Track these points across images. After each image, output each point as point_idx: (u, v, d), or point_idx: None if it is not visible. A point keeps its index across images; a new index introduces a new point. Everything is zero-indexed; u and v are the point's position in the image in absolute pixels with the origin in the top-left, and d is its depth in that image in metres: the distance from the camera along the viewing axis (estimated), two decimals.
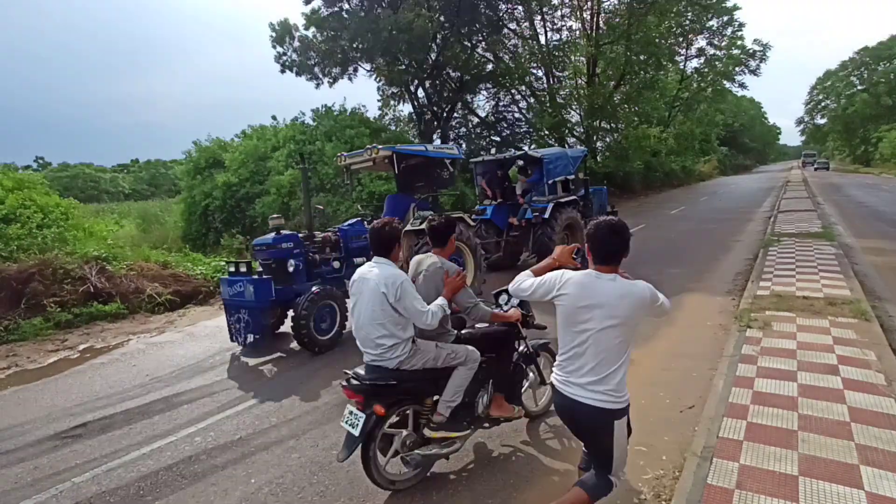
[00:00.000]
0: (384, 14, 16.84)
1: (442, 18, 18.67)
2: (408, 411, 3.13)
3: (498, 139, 22.76)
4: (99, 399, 5.14)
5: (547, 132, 26.20)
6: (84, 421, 4.61)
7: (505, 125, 23.66)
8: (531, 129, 24.08)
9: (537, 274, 2.68)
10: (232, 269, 6.53)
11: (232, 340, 6.47)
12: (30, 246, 8.81)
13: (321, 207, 9.85)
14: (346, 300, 6.49)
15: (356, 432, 2.89)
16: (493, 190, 10.92)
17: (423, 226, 7.20)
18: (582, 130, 28.92)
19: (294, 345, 6.33)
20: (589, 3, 25.18)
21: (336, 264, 7.12)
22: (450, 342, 3.26)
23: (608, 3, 25.23)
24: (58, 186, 50.64)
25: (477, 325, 3.56)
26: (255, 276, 6.21)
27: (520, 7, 22.27)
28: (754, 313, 5.66)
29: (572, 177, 11.05)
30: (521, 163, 11.10)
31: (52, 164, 61.72)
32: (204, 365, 6.01)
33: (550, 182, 10.28)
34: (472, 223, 8.32)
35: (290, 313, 6.23)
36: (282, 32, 18.17)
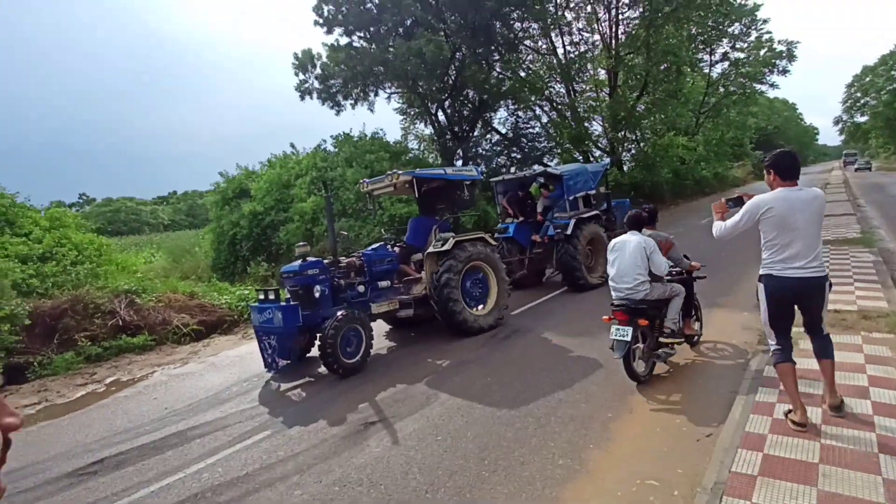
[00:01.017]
0: (397, 42, 17.15)
1: (458, 40, 18.89)
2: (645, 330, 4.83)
3: (519, 156, 22.69)
4: (117, 434, 5.25)
5: (570, 146, 25.99)
6: (101, 457, 4.71)
7: (525, 141, 23.58)
8: (553, 144, 23.92)
9: (723, 219, 3.78)
10: (261, 296, 6.70)
11: (266, 367, 6.56)
12: (64, 282, 9.19)
13: (345, 233, 9.99)
14: (371, 324, 6.78)
15: (628, 338, 4.55)
16: (514, 208, 10.91)
17: (445, 247, 7.29)
18: (606, 142, 28.59)
19: (322, 369, 6.40)
20: (607, 16, 25.07)
21: (361, 288, 7.19)
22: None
23: (625, 14, 25.03)
24: (102, 221, 53.13)
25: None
26: (283, 303, 6.39)
27: (535, 24, 22.32)
28: None
29: (593, 192, 10.92)
30: (541, 180, 11.04)
31: (95, 199, 64.81)
32: (221, 397, 6.08)
33: (571, 198, 10.20)
34: (493, 242, 8.30)
35: (318, 338, 6.36)
36: (304, 61, 18.72)
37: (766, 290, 3.54)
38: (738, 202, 3.81)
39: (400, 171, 7.69)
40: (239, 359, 7.81)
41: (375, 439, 4.40)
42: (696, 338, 5.63)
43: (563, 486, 3.37)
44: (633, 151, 30.97)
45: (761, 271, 3.59)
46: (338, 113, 18.69)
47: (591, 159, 25.90)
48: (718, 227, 3.74)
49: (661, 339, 4.94)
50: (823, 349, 3.52)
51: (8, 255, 8.84)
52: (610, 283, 5.02)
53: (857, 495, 2.61)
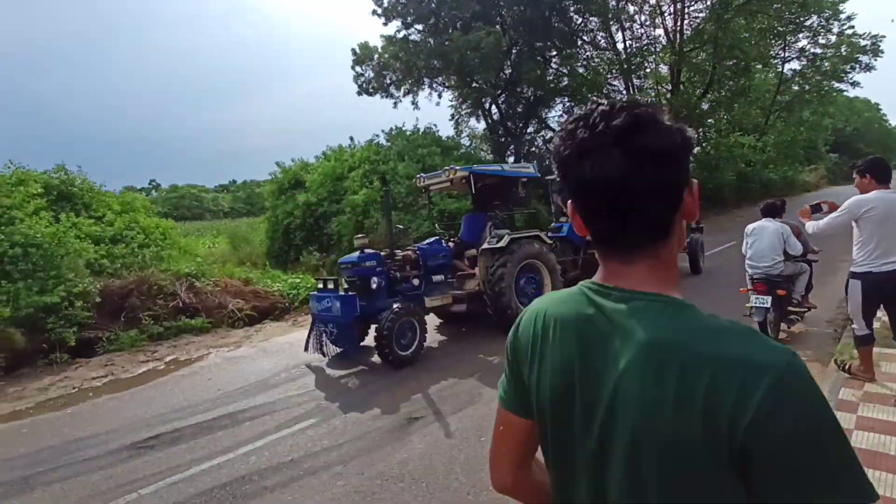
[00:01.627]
0: (455, 35, 17.08)
1: (514, 35, 18.62)
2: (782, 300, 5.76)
3: None
4: (174, 411, 5.48)
5: None
6: (158, 433, 4.92)
7: None
8: None
9: (809, 219, 4.37)
10: (321, 285, 6.92)
11: (305, 351, 6.75)
12: (132, 264, 9.71)
13: (402, 227, 10.08)
14: (426, 317, 6.86)
15: (767, 304, 5.57)
16: None
17: (501, 244, 7.25)
18: None
19: (376, 358, 6.51)
20: (671, 8, 23.99)
21: (416, 282, 7.27)
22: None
23: (691, 7, 23.84)
24: (168, 206, 56.18)
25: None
26: (342, 293, 6.54)
27: (595, 18, 21.67)
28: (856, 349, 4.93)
29: None
30: None
31: (162, 185, 68.65)
32: (270, 382, 6.24)
33: None
34: (548, 241, 8.15)
35: (373, 328, 6.50)
36: (362, 54, 19.02)
37: (863, 285, 3.98)
38: (817, 209, 4.47)
39: (457, 167, 7.69)
40: (288, 346, 8.00)
41: (419, 435, 4.37)
42: (811, 309, 6.47)
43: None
44: (696, 151, 29.61)
45: (856, 269, 4.05)
46: (395, 105, 18.86)
47: None
48: (813, 225, 4.24)
49: (790, 308, 6.02)
50: None
51: (82, 236, 9.40)
52: (747, 261, 6.01)
53: None
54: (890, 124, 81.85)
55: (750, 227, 6.00)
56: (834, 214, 4.00)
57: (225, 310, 9.53)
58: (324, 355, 6.71)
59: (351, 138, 18.01)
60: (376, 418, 4.84)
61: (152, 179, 78.75)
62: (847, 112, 56.12)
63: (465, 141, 24.58)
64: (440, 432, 4.39)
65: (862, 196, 3.85)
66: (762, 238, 5.78)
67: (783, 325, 6.11)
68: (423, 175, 8.60)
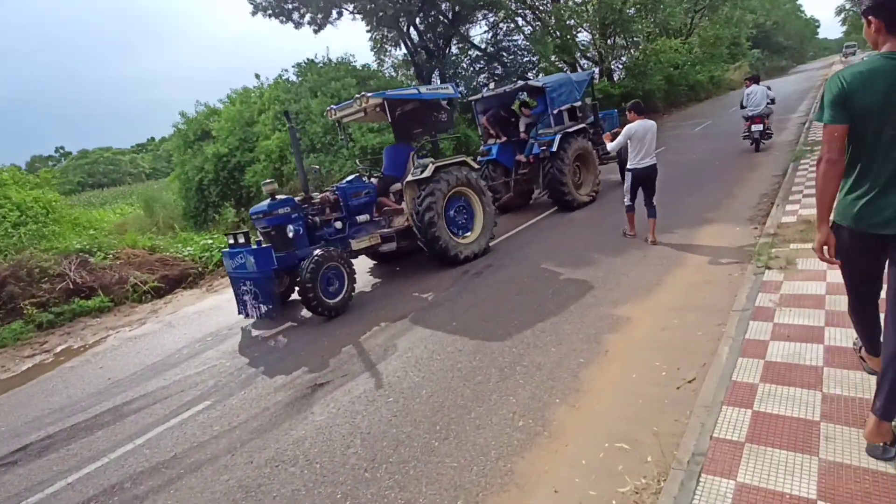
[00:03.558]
0: None
1: None
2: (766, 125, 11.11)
3: (500, 73, 21.11)
4: (51, 413, 4.80)
5: (556, 58, 24.22)
6: (27, 443, 4.27)
7: (506, 55, 21.87)
8: (536, 57, 22.24)
9: (610, 140, 6.84)
10: (231, 240, 6.27)
11: (239, 314, 6.32)
12: (6, 247, 8.49)
13: (317, 168, 9.23)
14: (352, 260, 6.45)
15: (761, 128, 10.98)
16: (496, 128, 10.16)
17: (425, 174, 6.78)
18: (595, 52, 26.72)
19: (306, 312, 6.12)
20: None
21: (338, 225, 6.81)
22: None
23: None
24: (81, 174, 51.37)
25: None
26: (254, 246, 5.95)
27: None
28: (776, 248, 4.76)
29: (579, 103, 10.05)
30: (523, 95, 10.15)
31: (72, 152, 62.52)
32: (168, 362, 5.60)
33: (556, 112, 9.41)
34: (476, 166, 7.64)
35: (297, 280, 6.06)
36: None
37: (632, 175, 6.47)
38: (614, 136, 6.86)
39: (369, 94, 6.92)
40: (198, 315, 7.31)
41: (321, 405, 3.92)
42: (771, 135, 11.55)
43: (519, 456, 2.89)
44: (624, 59, 29.10)
45: (629, 167, 6.43)
46: (297, 27, 17.08)
47: (580, 71, 24.27)
48: (610, 145, 6.78)
49: (767, 132, 11.02)
50: None
51: None
52: (748, 108, 10.95)
53: (870, 466, 2.09)
54: (806, 14, 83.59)
55: (747, 89, 11.13)
56: (619, 137, 6.50)
57: (126, 285, 8.59)
58: (258, 317, 6.15)
59: (257, 76, 16.34)
60: (277, 390, 4.34)
61: (59, 147, 71.36)
62: (768, 6, 56.54)
63: (390, 72, 23.00)
64: (344, 398, 3.95)
65: (630, 125, 6.28)
66: (756, 94, 10.85)
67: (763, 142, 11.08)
68: (334, 107, 7.74)
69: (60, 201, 11.07)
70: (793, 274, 4.08)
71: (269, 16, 16.96)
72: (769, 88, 11.15)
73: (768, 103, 10.89)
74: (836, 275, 3.87)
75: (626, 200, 6.54)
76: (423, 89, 7.69)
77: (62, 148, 65.89)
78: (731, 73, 40.37)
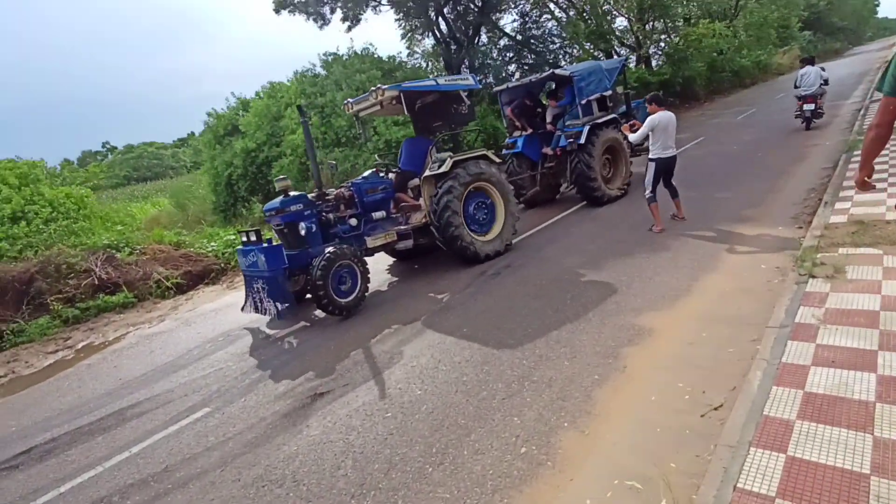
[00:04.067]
0: None
1: None
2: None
3: (531, 62, 20.49)
4: (60, 414, 4.80)
5: (590, 45, 23.34)
6: (32, 445, 4.26)
7: (536, 43, 21.19)
8: (568, 44, 21.45)
9: (629, 132, 6.91)
10: (244, 238, 6.17)
11: (242, 310, 6.22)
12: (37, 243, 8.70)
13: (333, 163, 9.10)
14: (374, 257, 6.33)
15: (812, 107, 11.21)
16: (521, 120, 9.78)
17: (443, 169, 6.53)
18: (632, 38, 25.62)
19: (319, 312, 6.01)
20: None
21: (353, 221, 6.63)
22: None
23: None
24: (127, 168, 53.36)
25: None
26: (265, 245, 5.84)
27: None
28: (822, 252, 4.25)
29: (609, 92, 9.50)
30: (552, 85, 9.71)
31: (117, 147, 65.00)
32: (178, 363, 5.55)
33: (584, 102, 8.89)
34: (496, 159, 7.33)
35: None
36: None
37: (656, 166, 6.55)
38: (633, 127, 6.86)
39: (384, 87, 6.67)
40: (214, 313, 7.28)
41: (318, 417, 3.73)
42: (823, 114, 11.63)
43: (518, 490, 2.61)
44: (663, 44, 27.81)
45: (652, 156, 6.53)
46: (321, 27, 16.96)
47: (616, 58, 23.33)
48: (632, 136, 6.68)
49: (818, 111, 11.24)
50: None
51: None
52: (801, 88, 11.23)
53: None
54: None
55: (801, 70, 11.41)
56: (642, 128, 6.46)
57: (149, 281, 8.67)
58: (270, 315, 5.92)
59: (295, 73, 16.21)
60: (277, 398, 4.18)
61: (105, 142, 74.29)
62: None
63: (419, 62, 22.65)
64: (342, 410, 3.74)
65: (653, 116, 6.35)
66: (810, 75, 11.08)
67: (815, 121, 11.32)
68: (351, 100, 7.52)
69: (92, 197, 11.30)
70: (841, 284, 3.60)
71: (295, 13, 16.84)
72: (823, 69, 11.38)
73: (821, 84, 11.14)
74: (893, 286, 3.40)
75: (648, 192, 6.50)
76: (441, 80, 7.36)
77: (108, 142, 68.52)
78: (779, 57, 38.21)
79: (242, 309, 6.20)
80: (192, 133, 77.12)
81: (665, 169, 6.49)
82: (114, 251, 9.08)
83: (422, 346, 4.60)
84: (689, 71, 24.51)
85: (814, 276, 3.80)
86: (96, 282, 8.28)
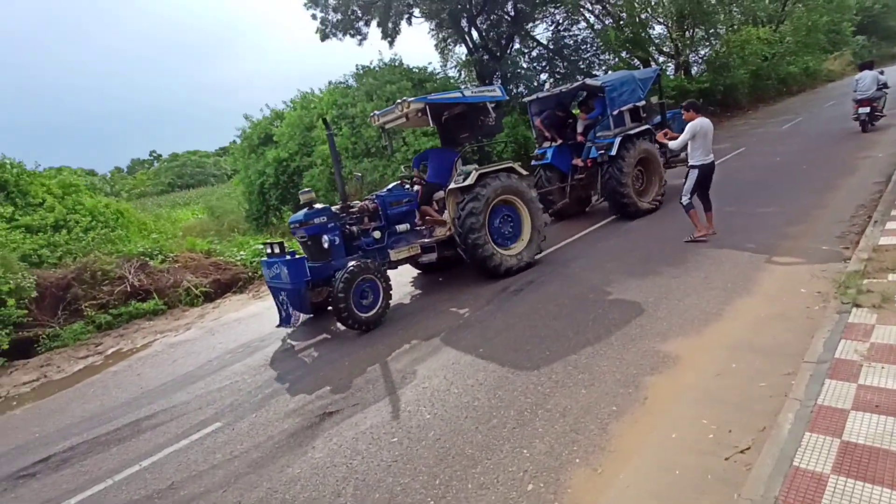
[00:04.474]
0: None
1: None
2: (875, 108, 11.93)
3: (563, 71, 20.21)
4: (81, 422, 4.88)
5: (627, 54, 22.86)
6: (50, 453, 4.33)
7: (569, 51, 20.89)
8: (603, 52, 21.04)
9: (665, 139, 6.80)
10: (269, 250, 6.26)
11: (278, 326, 6.24)
12: (76, 251, 9.03)
13: (359, 175, 9.13)
14: (397, 270, 6.32)
15: (868, 110, 11.53)
16: (551, 130, 9.62)
17: (467, 182, 6.46)
18: (671, 45, 24.97)
19: (341, 325, 5.98)
20: None
21: (377, 234, 6.62)
22: None
23: None
24: (172, 175, 55.55)
25: None
26: (288, 257, 5.89)
27: None
28: (869, 278, 3.90)
29: (642, 103, 9.21)
30: (583, 95, 9.53)
31: (162, 155, 67.80)
32: (197, 374, 5.59)
33: (616, 113, 8.65)
34: (523, 172, 7.18)
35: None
36: None
37: (698, 172, 6.43)
38: (672, 137, 6.78)
39: (410, 99, 6.67)
40: (237, 323, 7.36)
41: (324, 439, 3.65)
42: (885, 115, 11.91)
43: None
44: (703, 53, 27.01)
45: (693, 163, 6.43)
46: (360, 43, 17.22)
47: (654, 66, 22.76)
48: (672, 143, 6.55)
49: (876, 114, 11.48)
50: None
51: (13, 226, 8.70)
52: (857, 92, 11.49)
53: None
54: None
55: (858, 75, 11.60)
56: (683, 135, 6.40)
57: (179, 288, 8.87)
58: (292, 327, 6.11)
59: (330, 83, 16.50)
60: (287, 415, 4.13)
61: (152, 150, 77.69)
62: None
63: (452, 73, 22.71)
64: (349, 433, 3.65)
65: (692, 122, 6.30)
66: (866, 79, 11.33)
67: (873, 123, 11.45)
68: (377, 112, 7.55)
69: (131, 209, 11.69)
70: (889, 316, 3.26)
71: (339, 37, 17.16)
72: (882, 73, 11.84)
73: (880, 88, 11.50)
74: None
75: (686, 200, 6.45)
76: (467, 92, 7.29)
77: (155, 151, 71.51)
78: (829, 63, 36.54)
79: (278, 325, 6.18)
80: (235, 141, 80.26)
81: (707, 175, 6.41)
82: (147, 258, 9.34)
83: (436, 366, 4.47)
84: (732, 79, 23.65)
85: (858, 305, 3.48)
86: (129, 289, 8.52)
